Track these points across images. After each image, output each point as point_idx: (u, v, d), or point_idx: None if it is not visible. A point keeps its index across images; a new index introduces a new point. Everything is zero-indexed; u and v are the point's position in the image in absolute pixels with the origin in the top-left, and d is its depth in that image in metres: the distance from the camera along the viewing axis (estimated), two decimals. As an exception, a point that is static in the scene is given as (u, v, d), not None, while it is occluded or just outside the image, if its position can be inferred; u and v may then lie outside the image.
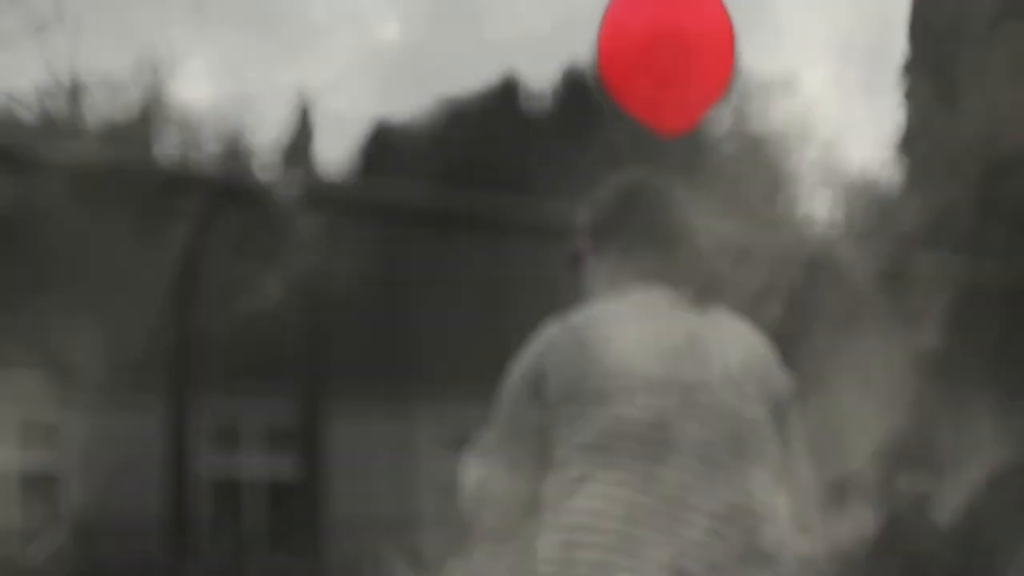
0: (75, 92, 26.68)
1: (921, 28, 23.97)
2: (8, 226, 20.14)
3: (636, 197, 3.14)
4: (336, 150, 52.23)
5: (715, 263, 3.12)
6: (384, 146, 34.77)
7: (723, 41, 3.72)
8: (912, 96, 24.17)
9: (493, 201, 11.86)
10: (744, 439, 2.93)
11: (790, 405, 3.08)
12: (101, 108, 28.75)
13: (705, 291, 3.09)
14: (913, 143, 24.19)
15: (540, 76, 35.74)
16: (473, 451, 3.09)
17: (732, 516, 2.89)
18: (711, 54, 3.70)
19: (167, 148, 31.05)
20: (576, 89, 31.71)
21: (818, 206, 35.87)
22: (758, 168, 34.86)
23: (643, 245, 3.10)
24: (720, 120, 34.86)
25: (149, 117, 29.11)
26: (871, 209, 31.79)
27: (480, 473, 3.05)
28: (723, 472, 2.90)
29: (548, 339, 3.00)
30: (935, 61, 23.73)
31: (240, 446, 17.17)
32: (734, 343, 3.02)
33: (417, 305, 15.90)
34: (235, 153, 31.46)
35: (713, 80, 3.74)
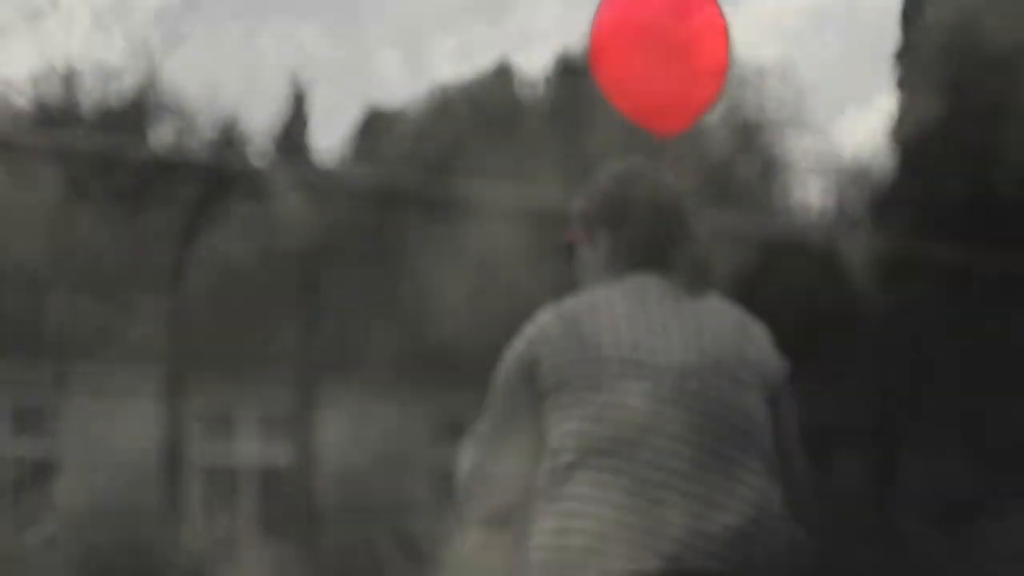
0: (69, 79, 26.64)
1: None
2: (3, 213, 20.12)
3: (630, 185, 3.16)
4: (331, 136, 52.28)
5: (709, 250, 3.13)
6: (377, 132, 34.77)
7: (717, 40, 3.69)
8: (905, 84, 24.18)
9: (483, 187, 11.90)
10: (738, 425, 2.95)
11: (784, 391, 3.09)
12: (96, 95, 28.72)
13: (698, 278, 3.09)
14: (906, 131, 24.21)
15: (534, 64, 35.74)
16: (469, 438, 3.11)
17: (725, 503, 2.91)
18: (705, 53, 3.68)
19: (162, 135, 31.02)
20: (569, 77, 31.71)
21: (811, 193, 35.89)
22: (751, 155, 34.87)
23: (637, 233, 3.12)
24: (713, 107, 34.84)
25: (143, 104, 29.08)
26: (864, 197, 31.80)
27: (474, 459, 3.07)
28: (716, 459, 2.92)
29: (541, 326, 3.02)
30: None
31: (234, 433, 17.20)
32: (728, 329, 3.04)
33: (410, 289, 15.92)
34: (230, 140, 31.43)
35: (708, 79, 3.72)
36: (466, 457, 3.09)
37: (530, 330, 3.04)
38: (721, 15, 3.71)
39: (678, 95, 3.70)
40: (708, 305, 3.07)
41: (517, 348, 3.03)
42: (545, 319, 3.03)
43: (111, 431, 16.19)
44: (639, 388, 2.92)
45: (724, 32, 3.70)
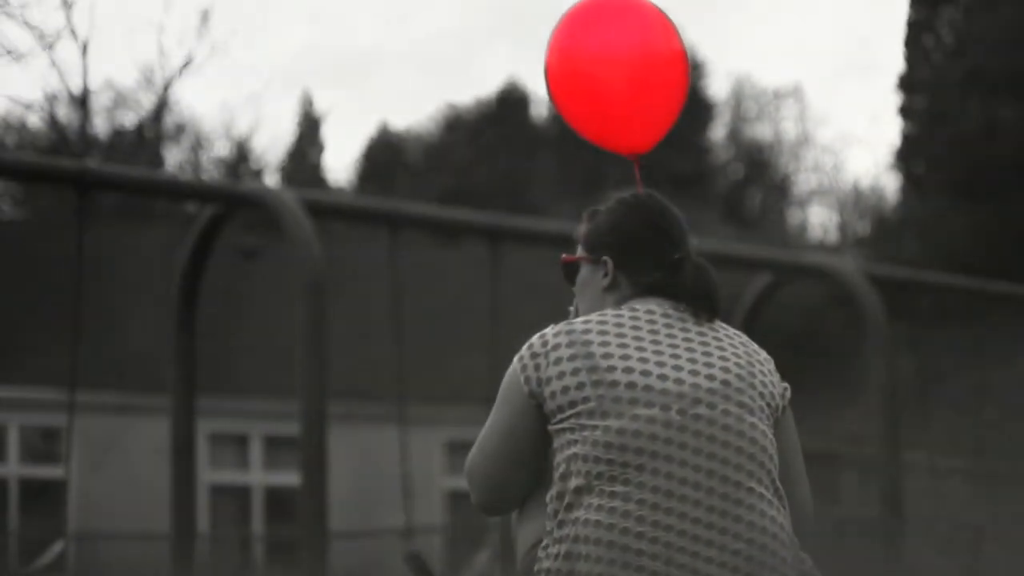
0: (84, 103, 26.71)
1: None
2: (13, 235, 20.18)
3: (639, 213, 3.19)
4: (342, 158, 52.14)
5: (714, 276, 3.17)
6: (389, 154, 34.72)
7: (674, 64, 3.72)
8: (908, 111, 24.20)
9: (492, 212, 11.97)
10: (745, 451, 2.98)
11: (787, 415, 3.13)
12: (110, 118, 28.78)
13: (705, 305, 3.13)
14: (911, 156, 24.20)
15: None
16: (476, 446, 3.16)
17: (734, 528, 2.94)
18: (662, 76, 3.71)
19: (175, 156, 31.09)
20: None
21: (816, 217, 35.84)
22: (758, 179, 34.81)
23: (645, 261, 3.15)
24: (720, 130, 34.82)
25: (157, 126, 29.12)
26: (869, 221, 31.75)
27: (471, 463, 3.12)
28: (724, 484, 2.95)
29: (550, 343, 3.04)
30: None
31: (244, 455, 17.20)
32: (734, 356, 3.07)
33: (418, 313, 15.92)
34: (242, 161, 31.46)
35: (666, 102, 3.74)
36: (468, 456, 3.15)
37: (538, 345, 3.05)
38: (679, 40, 3.75)
39: (640, 117, 3.72)
40: (714, 332, 3.10)
41: (524, 360, 3.05)
42: (555, 337, 3.05)
43: (121, 451, 16.22)
44: (647, 414, 2.95)
45: (682, 53, 3.74)
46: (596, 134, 3.73)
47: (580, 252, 3.24)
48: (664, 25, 3.68)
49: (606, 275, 3.17)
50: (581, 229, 3.25)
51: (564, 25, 3.68)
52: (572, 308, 3.30)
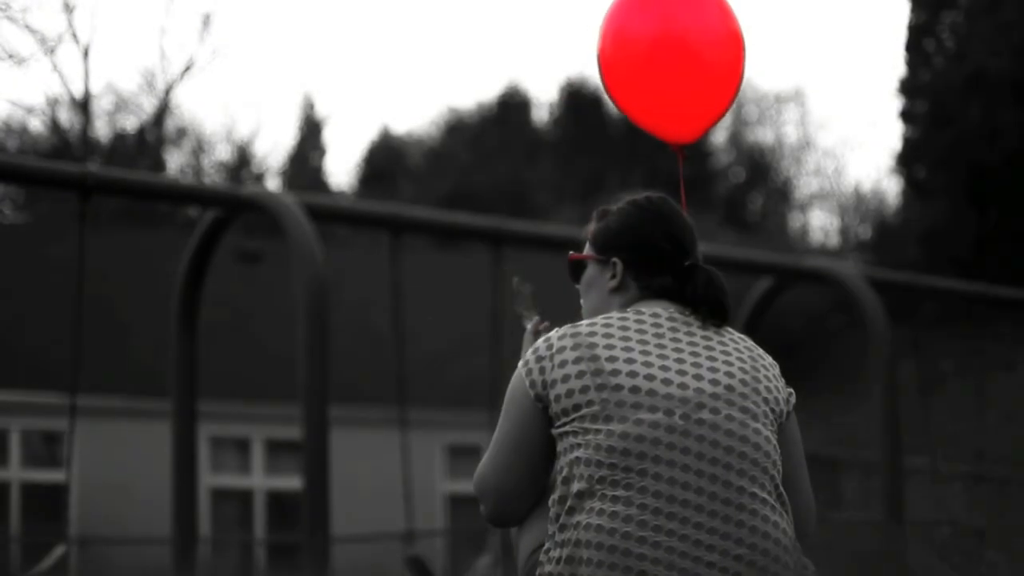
0: (86, 107, 26.72)
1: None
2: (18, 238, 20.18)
3: (649, 216, 3.18)
4: (344, 161, 52.17)
5: (724, 283, 3.17)
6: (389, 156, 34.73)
7: (731, 49, 3.66)
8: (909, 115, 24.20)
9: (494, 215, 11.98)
10: (748, 456, 2.98)
11: (791, 421, 3.13)
12: (111, 122, 28.79)
13: (712, 309, 3.13)
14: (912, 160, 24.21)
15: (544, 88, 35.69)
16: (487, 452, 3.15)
17: (736, 533, 2.94)
18: (717, 62, 3.65)
19: (176, 160, 31.09)
20: (579, 101, 31.72)
21: (817, 220, 35.84)
22: (760, 183, 34.80)
23: (654, 264, 3.15)
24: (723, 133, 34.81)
25: (158, 130, 29.13)
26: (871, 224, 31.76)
27: (481, 471, 3.12)
28: (727, 489, 2.95)
29: (555, 346, 3.04)
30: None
31: (246, 458, 17.20)
32: (737, 360, 3.07)
33: (418, 317, 15.91)
34: (244, 165, 31.46)
35: (720, 88, 3.69)
36: (478, 468, 3.14)
37: (543, 349, 3.05)
38: (736, 22, 3.68)
39: (690, 103, 3.67)
40: (719, 336, 3.10)
41: (530, 364, 3.06)
42: (559, 340, 3.05)
43: (123, 455, 16.21)
44: (650, 418, 2.95)
45: (739, 40, 3.68)
46: (646, 121, 3.68)
47: (588, 251, 3.23)
48: (720, 7, 3.61)
49: (614, 276, 3.17)
50: (590, 228, 3.24)
51: (616, 9, 3.62)
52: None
